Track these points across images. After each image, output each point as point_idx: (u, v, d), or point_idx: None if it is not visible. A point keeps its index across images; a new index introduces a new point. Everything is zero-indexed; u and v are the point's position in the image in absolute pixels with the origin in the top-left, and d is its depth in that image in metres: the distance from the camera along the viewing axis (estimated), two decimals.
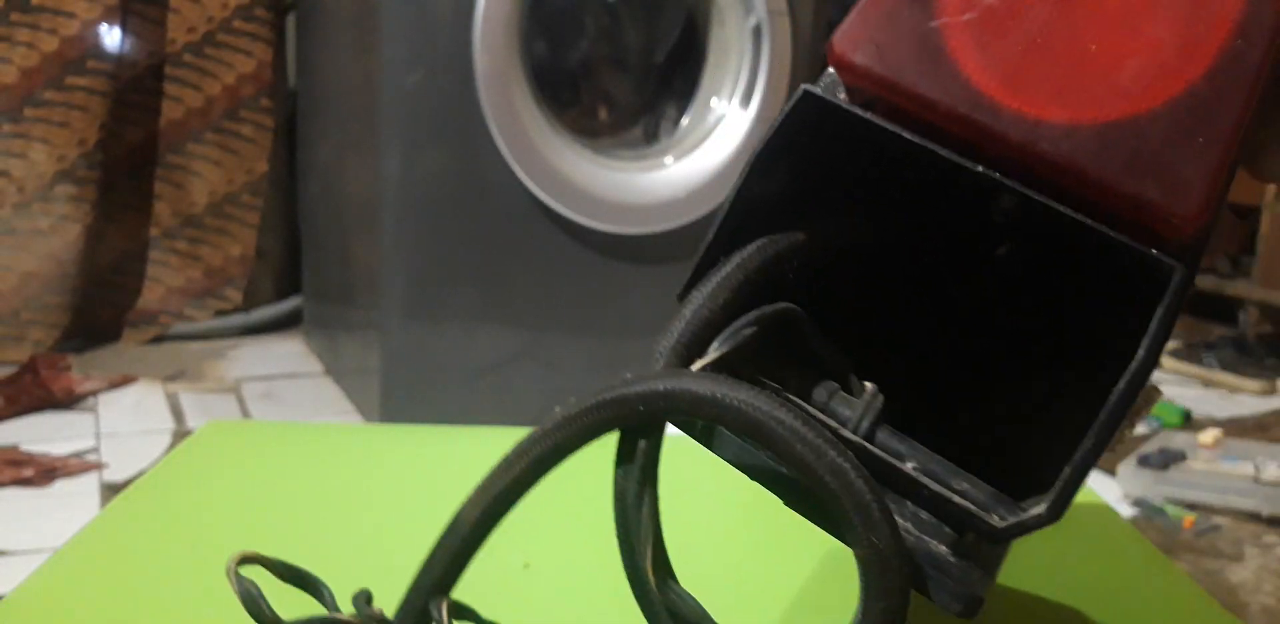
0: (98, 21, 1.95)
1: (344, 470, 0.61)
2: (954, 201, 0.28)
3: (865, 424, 0.27)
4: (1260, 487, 1.63)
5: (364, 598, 0.32)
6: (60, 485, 1.47)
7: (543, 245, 1.65)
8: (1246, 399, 2.18)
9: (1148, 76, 0.25)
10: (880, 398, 0.28)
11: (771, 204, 0.28)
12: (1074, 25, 0.26)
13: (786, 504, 0.28)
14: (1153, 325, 0.25)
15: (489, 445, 0.68)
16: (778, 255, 0.28)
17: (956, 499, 0.25)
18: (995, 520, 0.25)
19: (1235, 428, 1.97)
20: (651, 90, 1.81)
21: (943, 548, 0.26)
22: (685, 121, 1.78)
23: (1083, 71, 0.25)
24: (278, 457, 0.63)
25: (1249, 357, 2.29)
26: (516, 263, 1.65)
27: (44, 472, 1.49)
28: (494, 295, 1.65)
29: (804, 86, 0.27)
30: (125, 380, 1.88)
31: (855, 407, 0.27)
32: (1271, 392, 2.21)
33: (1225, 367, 2.27)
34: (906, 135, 0.26)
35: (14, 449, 1.56)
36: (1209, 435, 1.78)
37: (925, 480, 0.26)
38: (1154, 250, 0.25)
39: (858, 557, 0.24)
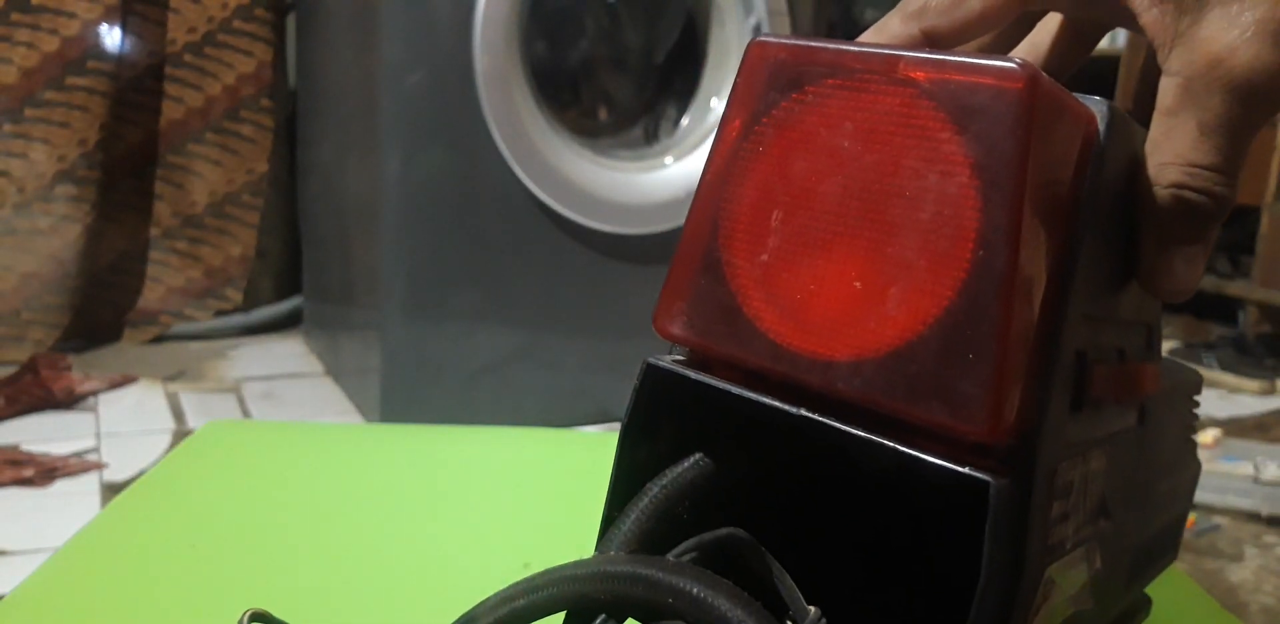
0: (98, 21, 1.95)
1: (344, 470, 0.61)
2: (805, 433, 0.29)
3: None
4: (1260, 486, 1.63)
5: None
6: (60, 485, 1.47)
7: (543, 245, 1.65)
8: (1246, 399, 2.18)
9: (910, 302, 0.26)
10: (822, 622, 0.28)
11: (663, 456, 0.31)
12: (838, 265, 0.27)
13: None
14: (986, 545, 0.25)
15: (489, 445, 0.68)
16: (686, 486, 0.30)
17: None
18: None
19: (1235, 428, 1.97)
20: (651, 90, 1.81)
21: None
22: (685, 121, 1.78)
23: (856, 307, 0.26)
24: (278, 457, 0.63)
25: (1248, 356, 2.29)
26: (516, 263, 1.65)
27: (44, 471, 1.49)
28: (494, 295, 1.65)
29: (646, 359, 0.31)
30: (125, 380, 1.88)
31: None
32: (1271, 391, 2.21)
33: (1224, 366, 2.27)
34: (733, 390, 0.29)
35: (14, 449, 1.56)
36: (1208, 435, 1.79)
37: None
38: (966, 467, 0.25)
39: None
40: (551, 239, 1.65)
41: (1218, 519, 1.58)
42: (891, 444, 0.26)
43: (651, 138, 1.80)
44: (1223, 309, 2.66)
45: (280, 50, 2.15)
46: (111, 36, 1.97)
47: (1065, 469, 0.27)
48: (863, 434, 0.26)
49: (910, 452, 0.25)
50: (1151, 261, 0.30)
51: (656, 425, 0.31)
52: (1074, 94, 0.28)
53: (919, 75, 0.26)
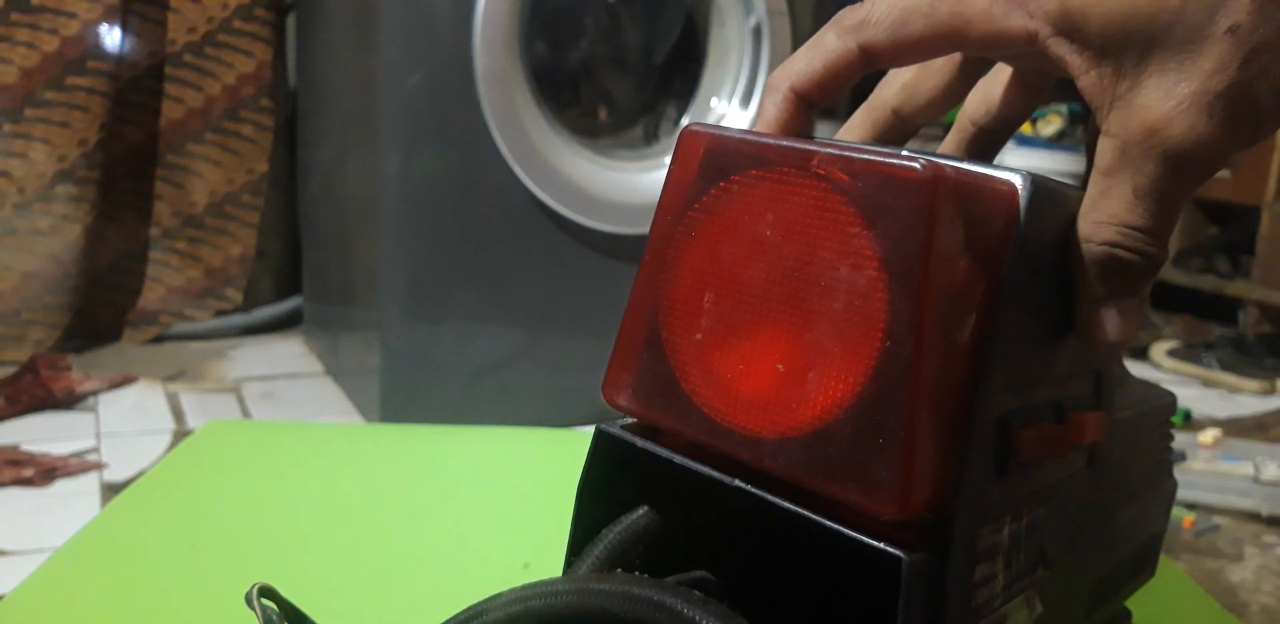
0: (98, 21, 1.95)
1: (344, 470, 0.61)
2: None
3: None
4: (1260, 486, 1.63)
5: None
6: (60, 485, 1.47)
7: (543, 245, 1.65)
8: (1246, 399, 2.18)
9: (827, 386, 0.27)
10: None
11: (619, 512, 0.33)
12: (763, 348, 0.28)
13: None
14: (900, 616, 0.26)
15: (489, 445, 0.68)
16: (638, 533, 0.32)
17: None
18: None
19: (1235, 428, 1.97)
20: (651, 90, 1.81)
21: None
22: (685, 121, 1.78)
23: (779, 388, 0.28)
24: (278, 457, 0.63)
25: (1248, 356, 2.29)
26: (516, 263, 1.65)
27: (44, 471, 1.49)
28: (494, 295, 1.65)
29: (597, 425, 0.33)
30: (125, 380, 1.88)
31: None
32: (1271, 391, 2.21)
33: (1225, 366, 2.27)
34: (675, 459, 0.30)
35: (14, 449, 1.56)
36: (1208, 435, 1.79)
37: None
38: (882, 542, 0.26)
39: None
40: (551, 239, 1.65)
41: (1218, 519, 1.58)
42: (815, 517, 0.27)
43: (651, 138, 1.80)
44: (1223, 309, 2.66)
45: (280, 50, 2.15)
46: (111, 36, 1.97)
47: (989, 533, 0.29)
48: (790, 507, 0.28)
49: (831, 525, 0.27)
50: (1087, 315, 0.31)
51: (610, 484, 0.33)
52: (996, 168, 0.29)
53: (831, 171, 0.27)
